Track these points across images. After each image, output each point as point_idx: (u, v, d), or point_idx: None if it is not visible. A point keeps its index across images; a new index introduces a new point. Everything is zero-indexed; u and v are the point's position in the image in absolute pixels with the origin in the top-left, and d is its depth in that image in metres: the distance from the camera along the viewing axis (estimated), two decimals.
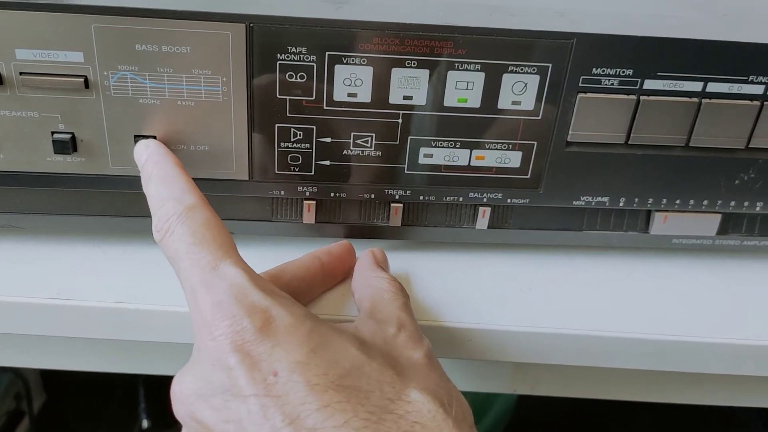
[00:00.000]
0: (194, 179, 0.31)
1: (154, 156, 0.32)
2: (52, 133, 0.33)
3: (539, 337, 0.35)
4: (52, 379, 0.81)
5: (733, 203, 0.38)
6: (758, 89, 0.34)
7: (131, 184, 0.34)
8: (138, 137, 0.33)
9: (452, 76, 0.33)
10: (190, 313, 0.27)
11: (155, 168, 0.31)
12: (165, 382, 0.30)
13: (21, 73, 0.31)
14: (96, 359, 0.44)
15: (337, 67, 0.32)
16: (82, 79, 0.32)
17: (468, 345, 0.35)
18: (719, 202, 0.38)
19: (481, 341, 0.35)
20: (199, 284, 0.27)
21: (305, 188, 0.36)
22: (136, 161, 0.33)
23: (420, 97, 0.34)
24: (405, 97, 0.34)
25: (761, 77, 0.34)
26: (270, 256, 0.37)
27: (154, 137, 0.34)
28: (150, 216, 0.30)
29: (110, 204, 0.37)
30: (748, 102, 0.34)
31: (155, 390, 0.81)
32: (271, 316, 0.26)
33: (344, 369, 0.26)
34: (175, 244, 0.28)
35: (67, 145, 0.33)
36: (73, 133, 0.33)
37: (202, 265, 0.27)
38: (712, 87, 0.34)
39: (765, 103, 0.34)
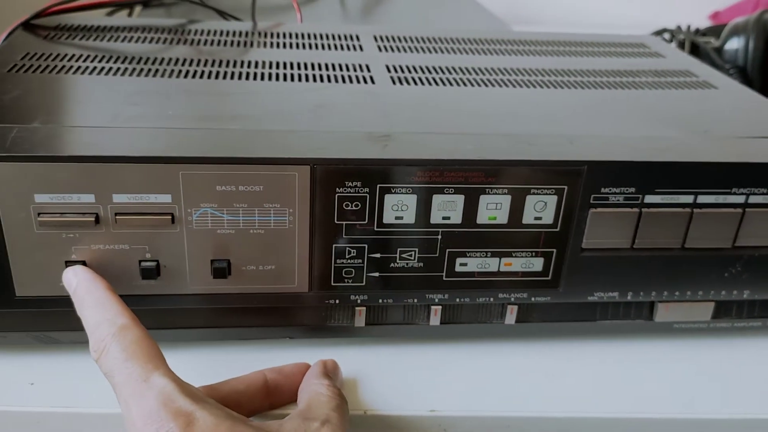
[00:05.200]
0: (260, 294, 0.36)
1: (84, 283, 0.35)
2: (140, 261, 0.38)
3: (564, 422, 0.40)
4: None
5: (723, 292, 0.44)
6: (740, 199, 0.40)
7: (209, 301, 0.39)
8: (214, 261, 0.38)
9: (484, 199, 0.39)
10: (124, 424, 0.30)
11: (87, 294, 0.35)
12: None
13: (116, 214, 0.36)
14: None
15: (386, 196, 0.38)
16: (169, 217, 0.37)
17: None
18: (712, 292, 0.44)
19: (517, 428, 0.40)
20: (130, 396, 0.30)
21: (357, 296, 0.41)
22: (66, 287, 0.36)
23: (456, 217, 0.39)
24: (444, 218, 0.39)
25: (742, 189, 0.40)
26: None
27: (228, 261, 0.38)
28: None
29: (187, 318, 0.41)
30: (732, 210, 0.40)
31: None
32: (195, 419, 0.29)
33: None
34: (109, 361, 0.31)
35: (153, 272, 0.38)
36: (158, 261, 0.38)
37: (134, 377, 0.30)
38: (702, 199, 0.40)
39: (746, 209, 0.40)
